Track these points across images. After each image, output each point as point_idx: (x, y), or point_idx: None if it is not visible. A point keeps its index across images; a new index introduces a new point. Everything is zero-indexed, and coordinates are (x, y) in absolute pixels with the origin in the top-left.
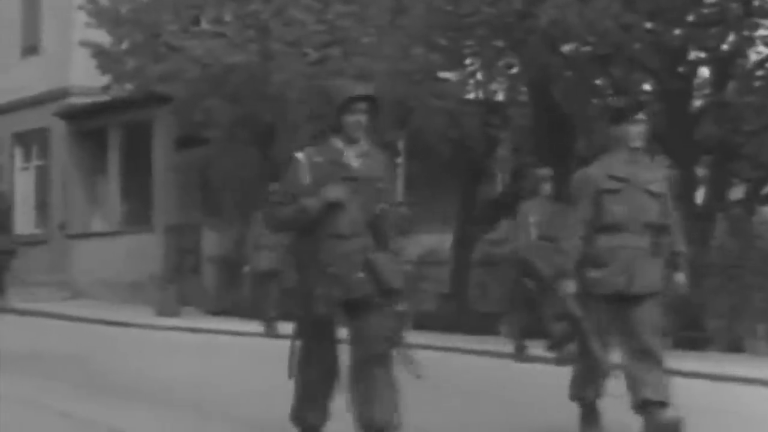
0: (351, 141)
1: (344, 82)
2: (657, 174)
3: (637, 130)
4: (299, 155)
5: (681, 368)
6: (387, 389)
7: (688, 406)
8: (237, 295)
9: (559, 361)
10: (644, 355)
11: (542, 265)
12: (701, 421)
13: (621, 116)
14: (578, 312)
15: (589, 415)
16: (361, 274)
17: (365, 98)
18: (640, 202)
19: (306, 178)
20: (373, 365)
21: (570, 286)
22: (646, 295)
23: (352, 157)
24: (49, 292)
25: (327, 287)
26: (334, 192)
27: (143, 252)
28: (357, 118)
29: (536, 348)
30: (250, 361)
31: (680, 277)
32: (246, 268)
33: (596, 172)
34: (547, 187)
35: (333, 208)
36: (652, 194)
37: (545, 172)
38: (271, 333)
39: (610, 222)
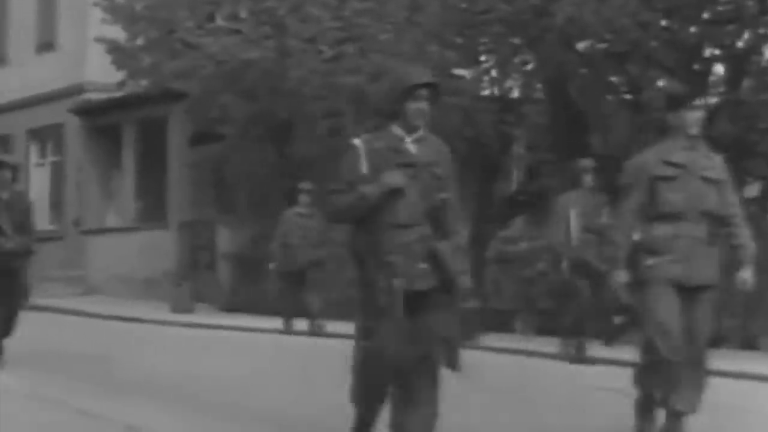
0: (411, 128)
1: (408, 68)
2: (714, 161)
3: (695, 117)
4: (356, 142)
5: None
6: (430, 396)
7: (703, 403)
8: (252, 291)
9: (573, 359)
10: (690, 359)
11: (593, 258)
12: (717, 419)
13: (678, 102)
14: (632, 302)
15: (647, 407)
16: (423, 265)
17: (428, 85)
18: (697, 189)
19: (363, 165)
20: (422, 368)
21: (622, 277)
22: (703, 289)
23: (410, 144)
24: (63, 288)
25: (388, 278)
26: (393, 178)
27: (157, 248)
28: (419, 105)
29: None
30: (266, 358)
31: (745, 273)
32: (271, 266)
33: (651, 158)
34: (588, 179)
35: (392, 195)
36: (709, 181)
37: (587, 163)
38: (289, 330)
39: (667, 210)
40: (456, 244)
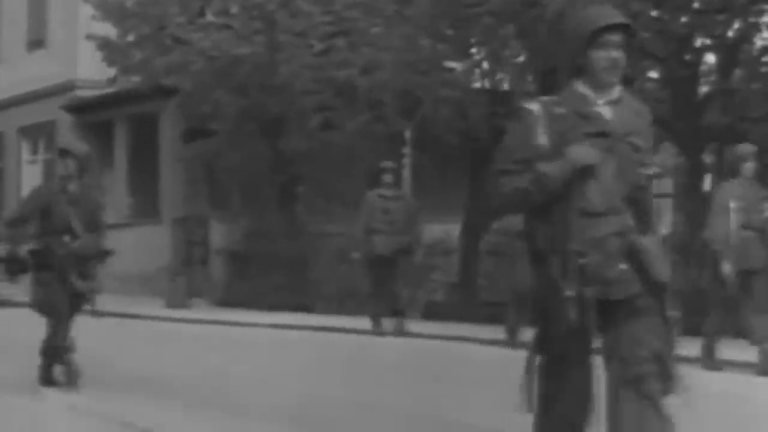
0: (601, 86)
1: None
2: None
3: None
4: (533, 106)
5: (688, 354)
6: (650, 425)
7: (697, 392)
8: (246, 286)
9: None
10: None
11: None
12: (711, 408)
13: None
14: None
15: None
16: (623, 266)
17: (620, 27)
18: None
19: (542, 136)
20: (632, 392)
21: None
22: None
23: (602, 107)
24: None
25: (577, 284)
26: (583, 152)
27: (151, 244)
28: (609, 55)
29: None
30: (264, 353)
31: None
32: (356, 255)
33: None
34: (749, 167)
35: (581, 175)
36: None
37: (748, 148)
38: (378, 330)
39: None
40: (660, 238)
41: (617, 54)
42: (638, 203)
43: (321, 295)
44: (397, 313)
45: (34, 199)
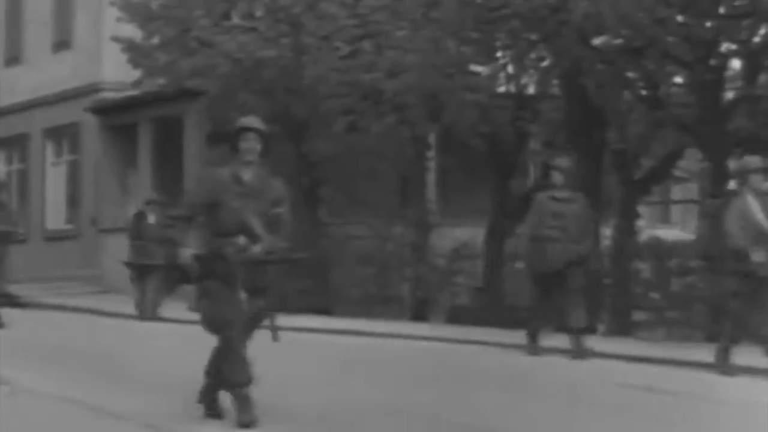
0: None
1: None
2: None
3: None
4: None
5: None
6: None
7: (721, 399)
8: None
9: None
10: None
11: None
12: (739, 414)
13: None
14: None
15: None
16: None
17: None
18: None
19: None
20: None
21: None
22: None
23: None
24: (80, 287)
25: None
26: None
27: None
28: None
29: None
30: (283, 355)
31: None
32: (520, 265)
33: None
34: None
35: None
36: None
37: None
38: (535, 350)
39: None
40: None
41: None
42: None
43: (343, 298)
44: (576, 331)
45: (203, 189)
